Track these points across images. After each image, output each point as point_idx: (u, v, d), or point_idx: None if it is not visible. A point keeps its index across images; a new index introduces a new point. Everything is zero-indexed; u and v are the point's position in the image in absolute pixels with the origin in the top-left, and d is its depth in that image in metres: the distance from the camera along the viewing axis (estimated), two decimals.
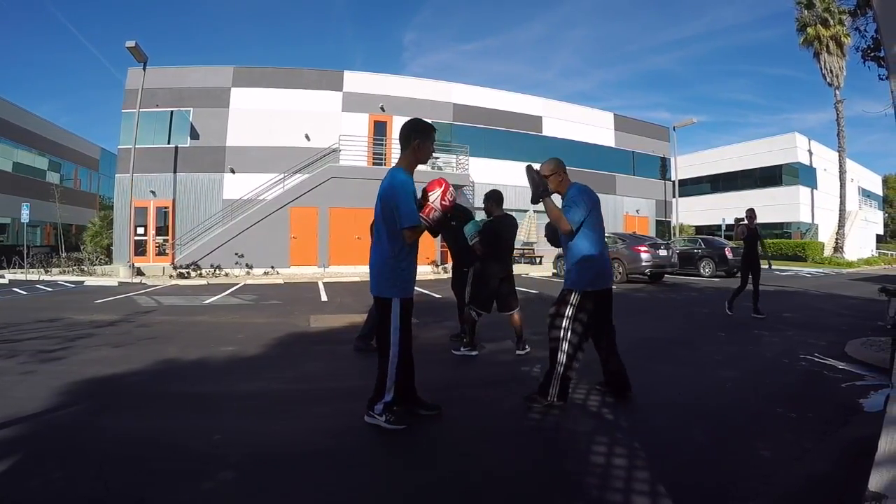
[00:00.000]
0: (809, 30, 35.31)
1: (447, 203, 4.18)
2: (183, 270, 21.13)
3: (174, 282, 19.26)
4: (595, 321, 4.88)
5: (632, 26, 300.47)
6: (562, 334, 4.69)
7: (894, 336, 4.61)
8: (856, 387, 5.66)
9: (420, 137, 4.36)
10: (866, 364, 6.61)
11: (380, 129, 27.11)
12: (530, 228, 29.06)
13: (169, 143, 24.81)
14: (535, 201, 4.98)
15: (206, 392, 5.35)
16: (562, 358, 4.65)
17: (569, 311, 4.72)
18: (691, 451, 3.89)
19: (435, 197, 4.16)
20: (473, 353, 6.92)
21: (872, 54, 8.63)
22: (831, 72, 35.20)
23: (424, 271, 23.14)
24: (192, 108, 25.09)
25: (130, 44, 20.12)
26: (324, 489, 3.25)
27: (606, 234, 24.19)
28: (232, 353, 7.10)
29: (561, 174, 5.00)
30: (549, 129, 32.12)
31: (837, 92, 35.61)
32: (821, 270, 28.72)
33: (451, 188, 4.29)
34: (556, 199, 4.92)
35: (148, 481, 3.30)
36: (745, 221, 10.97)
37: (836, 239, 37.56)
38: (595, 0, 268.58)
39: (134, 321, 9.86)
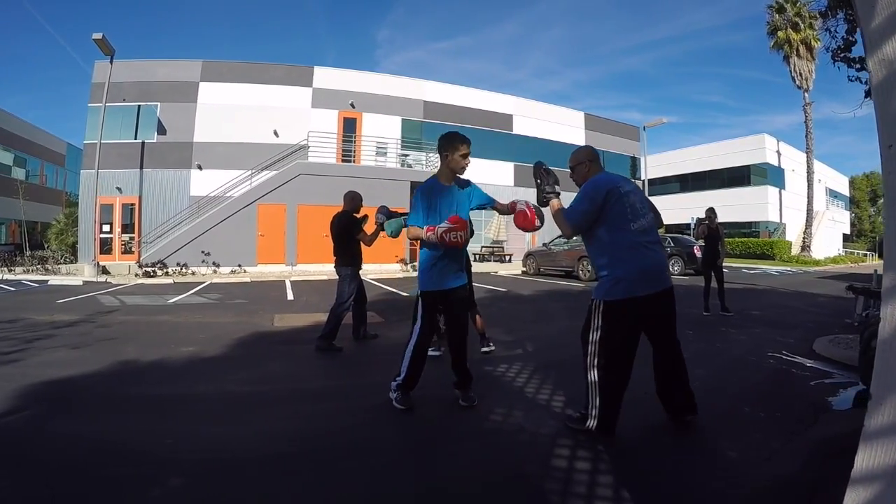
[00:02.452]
0: (780, 33, 36.13)
1: (446, 240, 4.30)
2: (149, 269, 20.75)
3: (140, 281, 18.90)
4: (652, 338, 4.18)
5: (606, 27, 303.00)
6: (589, 349, 4.01)
7: (862, 334, 4.54)
8: (824, 384, 5.65)
9: (447, 150, 4.58)
10: (834, 361, 6.61)
11: (349, 126, 26.93)
12: (499, 226, 29.03)
13: (136, 138, 24.32)
14: (540, 204, 4.53)
15: (161, 394, 5.17)
16: (592, 378, 3.96)
17: (594, 325, 4.00)
18: (656, 453, 3.80)
19: (441, 228, 4.30)
20: (436, 352, 6.77)
21: (842, 55, 8.65)
22: (801, 75, 36.06)
23: (393, 269, 23.10)
24: (159, 103, 24.59)
25: (97, 36, 19.62)
26: (276, 497, 3.11)
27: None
28: (191, 354, 6.93)
29: (587, 165, 4.38)
30: (520, 128, 32.23)
31: (806, 94, 36.52)
32: (788, 269, 29.18)
33: (462, 231, 4.35)
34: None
35: (94, 489, 3.17)
36: (706, 221, 10.98)
37: (804, 238, 38.44)
38: (568, 1, 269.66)
39: (95, 321, 9.61)
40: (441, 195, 4.56)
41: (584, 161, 4.39)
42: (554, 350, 7.15)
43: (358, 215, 7.62)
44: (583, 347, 4.10)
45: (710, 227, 10.83)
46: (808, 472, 3.46)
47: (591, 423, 3.95)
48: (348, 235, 7.37)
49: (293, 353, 7.19)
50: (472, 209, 4.78)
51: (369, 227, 7.33)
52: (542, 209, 4.52)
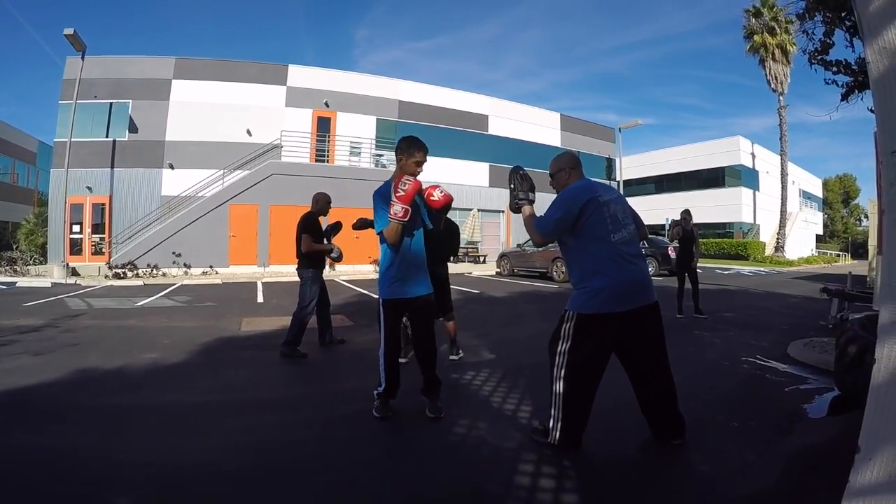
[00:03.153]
0: (756, 38, 36.67)
1: (401, 193, 4.15)
2: (119, 270, 20.39)
3: (109, 282, 18.58)
4: (637, 362, 3.93)
5: (585, 29, 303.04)
6: (556, 360, 3.82)
7: (839, 339, 4.43)
8: (799, 391, 5.56)
9: (402, 154, 4.46)
10: (808, 366, 6.55)
11: (323, 126, 26.71)
12: (474, 227, 28.93)
13: (107, 136, 23.83)
14: (513, 210, 4.31)
15: (118, 405, 4.98)
16: (557, 390, 3.79)
17: (563, 335, 3.81)
18: (624, 466, 3.68)
19: (394, 198, 4.18)
20: (403, 360, 6.59)
21: (820, 57, 8.63)
22: (776, 78, 36.69)
23: (366, 270, 22.91)
24: (131, 101, 24.12)
25: (69, 31, 19.21)
26: None
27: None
28: (154, 361, 6.72)
29: (567, 172, 4.18)
30: (496, 128, 32.15)
31: (781, 98, 37.22)
32: (762, 269, 29.42)
33: (402, 179, 4.22)
34: None
35: None
36: (681, 223, 10.95)
37: (777, 239, 39.09)
38: (549, 2, 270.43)
39: (60, 326, 9.35)
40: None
41: (565, 168, 4.22)
42: (524, 356, 6.98)
43: (323, 217, 7.49)
44: (549, 357, 3.92)
45: (684, 229, 10.79)
46: (784, 486, 3.34)
47: (554, 436, 3.80)
48: (308, 236, 7.19)
49: (257, 359, 7.00)
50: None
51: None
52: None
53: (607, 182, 37.13)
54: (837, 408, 4.58)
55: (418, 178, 4.38)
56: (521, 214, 4.22)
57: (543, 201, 3.77)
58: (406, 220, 4.19)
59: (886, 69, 1.59)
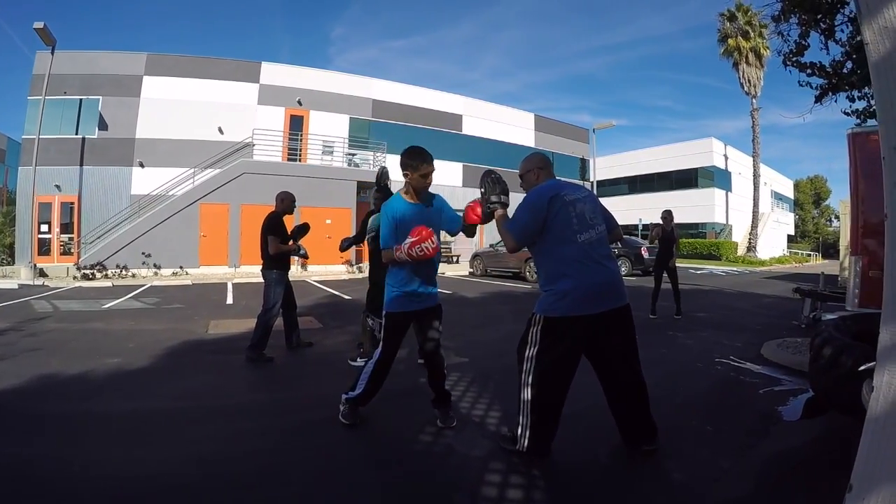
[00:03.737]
0: (730, 41, 37.43)
1: (413, 255, 4.01)
2: (88, 271, 20.00)
3: (78, 284, 18.19)
4: (608, 365, 3.80)
5: (561, 31, 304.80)
6: (524, 366, 3.70)
7: (813, 340, 4.36)
8: (773, 392, 5.54)
9: (408, 168, 4.26)
10: (782, 367, 6.56)
11: (296, 124, 26.46)
12: None
13: (77, 133, 23.28)
14: (484, 214, 4.14)
15: (78, 412, 4.81)
16: (525, 396, 3.66)
17: (531, 340, 3.70)
18: (595, 475, 3.61)
19: (406, 243, 4.03)
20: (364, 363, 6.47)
21: (794, 59, 8.66)
22: (749, 81, 37.56)
23: (338, 271, 22.74)
24: (101, 97, 23.59)
25: (38, 25, 18.78)
26: None
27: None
28: (116, 366, 6.51)
29: (536, 172, 4.08)
30: (470, 128, 32.17)
31: (754, 101, 38.17)
32: (735, 269, 29.80)
33: (427, 242, 4.02)
34: None
35: None
36: (661, 223, 10.96)
37: (750, 239, 39.86)
38: (526, 3, 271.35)
39: (24, 329, 9.08)
40: (406, 213, 4.25)
41: (533, 168, 4.11)
42: (494, 358, 6.87)
43: (289, 215, 7.33)
44: (517, 362, 3.81)
45: (664, 229, 10.77)
46: (760, 494, 3.29)
47: (522, 443, 3.68)
48: (274, 237, 7.03)
49: (222, 364, 6.82)
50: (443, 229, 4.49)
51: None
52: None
53: (581, 182, 37.25)
54: (812, 410, 4.57)
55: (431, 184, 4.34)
56: (494, 220, 4.05)
57: (516, 202, 3.69)
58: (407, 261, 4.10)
59: (888, 51, 1.47)
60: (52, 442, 4.08)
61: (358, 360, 6.59)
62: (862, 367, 3.24)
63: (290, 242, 7.29)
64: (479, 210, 4.22)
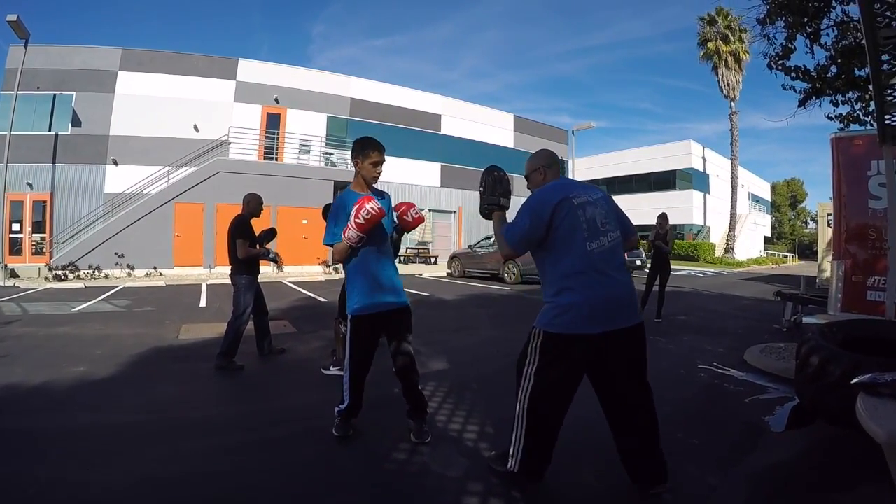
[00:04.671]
0: (710, 45, 38.26)
1: (361, 221, 3.78)
2: (60, 272, 19.52)
3: (49, 285, 17.73)
4: (613, 389, 3.35)
5: (541, 32, 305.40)
6: (522, 382, 3.31)
7: (800, 348, 4.23)
8: (759, 401, 5.45)
9: (357, 156, 4.16)
10: (766, 373, 6.50)
11: (273, 122, 26.19)
12: (425, 228, 28.73)
13: (50, 129, 22.77)
14: (482, 215, 3.79)
15: (35, 427, 4.53)
16: (520, 412, 3.31)
17: (530, 356, 3.29)
18: (576, 495, 3.45)
19: (351, 219, 3.83)
20: (338, 370, 6.24)
21: (780, 63, 8.62)
22: (728, 85, 38.35)
23: (314, 272, 22.50)
24: (74, 92, 23.10)
25: (12, 18, 18.27)
26: None
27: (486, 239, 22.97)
28: (81, 375, 6.24)
29: (543, 172, 3.65)
30: (448, 128, 32.08)
31: (733, 104, 38.91)
32: (713, 270, 30.18)
33: (370, 203, 3.81)
34: None
35: None
36: (657, 227, 11.08)
37: (727, 240, 40.67)
38: (506, 4, 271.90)
39: None
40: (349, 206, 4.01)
41: (539, 167, 3.68)
42: (472, 366, 6.73)
43: (256, 218, 7.12)
44: (516, 377, 3.40)
45: (658, 233, 10.86)
46: None
47: (513, 463, 3.35)
48: (243, 241, 6.82)
49: (190, 372, 6.57)
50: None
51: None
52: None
53: None
54: (797, 420, 4.45)
55: (379, 177, 4.19)
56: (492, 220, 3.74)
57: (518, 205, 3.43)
58: (359, 245, 3.91)
59: None
60: (10, 461, 3.81)
61: (331, 368, 6.39)
62: (855, 381, 3.11)
63: (258, 246, 7.08)
64: (409, 213, 4.28)
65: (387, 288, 4.15)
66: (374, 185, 4.26)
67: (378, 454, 4.01)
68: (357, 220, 3.76)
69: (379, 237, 4.09)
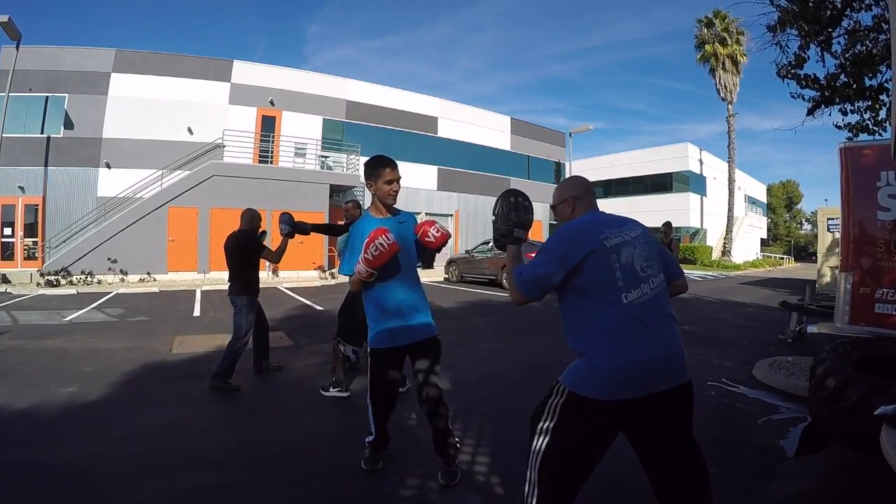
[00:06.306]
0: (707, 47, 38.48)
1: (370, 257, 3.51)
2: (52, 278, 19.28)
3: (41, 291, 17.53)
4: (642, 451, 2.71)
5: (537, 34, 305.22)
6: (535, 439, 2.63)
7: (814, 369, 4.06)
8: (772, 422, 5.30)
9: (370, 178, 3.89)
10: (777, 391, 6.36)
11: (268, 125, 26.01)
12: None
13: (42, 132, 22.50)
14: (496, 245, 3.15)
15: (16, 462, 4.23)
16: (532, 476, 2.60)
17: (548, 411, 2.60)
18: None
19: (362, 255, 3.58)
20: (344, 394, 6.01)
21: (793, 71, 8.48)
22: (725, 87, 38.60)
23: (310, 277, 22.32)
24: (67, 94, 22.81)
25: (3, 18, 17.96)
26: None
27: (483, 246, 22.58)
28: (70, 397, 5.98)
29: (571, 203, 2.94)
30: (445, 131, 31.97)
31: (730, 106, 39.17)
32: (710, 273, 30.33)
33: (380, 238, 3.53)
34: None
35: None
36: (661, 235, 10.76)
37: (724, 243, 40.86)
38: (502, 6, 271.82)
39: None
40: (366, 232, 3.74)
41: (568, 198, 2.97)
42: (477, 386, 6.55)
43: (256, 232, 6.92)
44: (529, 429, 2.70)
45: (662, 241, 10.62)
46: None
47: None
48: (248, 259, 6.63)
49: (183, 394, 6.31)
50: None
51: (275, 244, 6.66)
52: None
53: (556, 186, 37.26)
54: (810, 442, 4.23)
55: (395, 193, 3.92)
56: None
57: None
58: (371, 280, 3.68)
59: None
60: None
61: (331, 389, 6.15)
62: (878, 412, 2.95)
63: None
64: (430, 233, 3.90)
65: (408, 318, 3.85)
66: (393, 205, 4.00)
67: (382, 495, 3.77)
68: (366, 256, 3.52)
69: (396, 267, 3.79)
